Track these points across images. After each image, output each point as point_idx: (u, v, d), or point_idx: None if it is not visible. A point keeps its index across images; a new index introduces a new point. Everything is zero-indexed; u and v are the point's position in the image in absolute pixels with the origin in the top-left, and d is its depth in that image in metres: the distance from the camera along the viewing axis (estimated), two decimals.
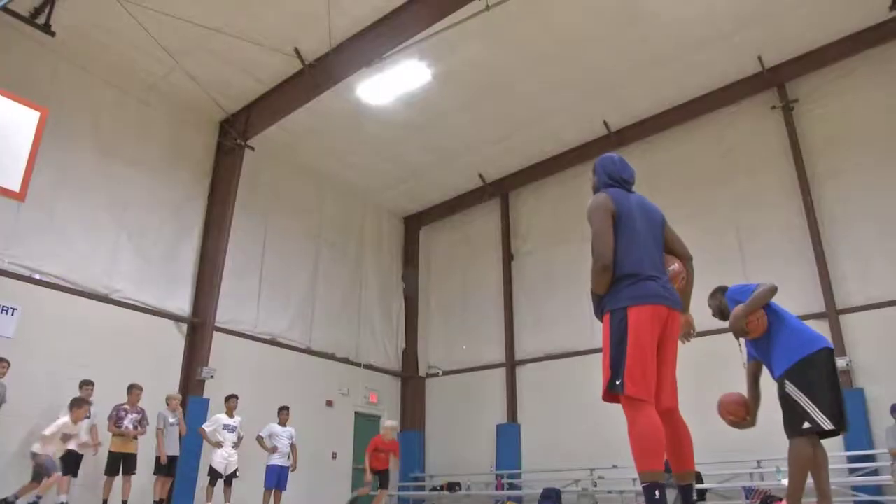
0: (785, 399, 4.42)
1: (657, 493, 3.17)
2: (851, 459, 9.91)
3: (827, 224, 11.50)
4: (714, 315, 5.11)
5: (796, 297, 10.26)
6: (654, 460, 3.23)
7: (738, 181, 12.65)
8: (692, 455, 3.47)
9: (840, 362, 10.44)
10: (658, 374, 3.42)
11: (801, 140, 12.20)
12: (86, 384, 9.68)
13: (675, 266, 3.75)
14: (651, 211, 3.82)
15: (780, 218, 11.99)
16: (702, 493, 10.40)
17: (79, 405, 9.21)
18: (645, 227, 3.66)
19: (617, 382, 3.33)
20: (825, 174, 11.85)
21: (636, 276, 3.47)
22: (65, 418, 9.00)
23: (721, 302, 4.97)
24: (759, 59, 12.28)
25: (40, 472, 8.65)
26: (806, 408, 4.30)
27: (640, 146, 14.05)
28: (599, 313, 3.60)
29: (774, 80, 12.59)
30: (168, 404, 10.68)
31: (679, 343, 3.70)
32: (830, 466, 10.43)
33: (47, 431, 8.84)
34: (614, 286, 3.50)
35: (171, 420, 10.51)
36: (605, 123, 14.26)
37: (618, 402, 3.41)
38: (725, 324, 4.74)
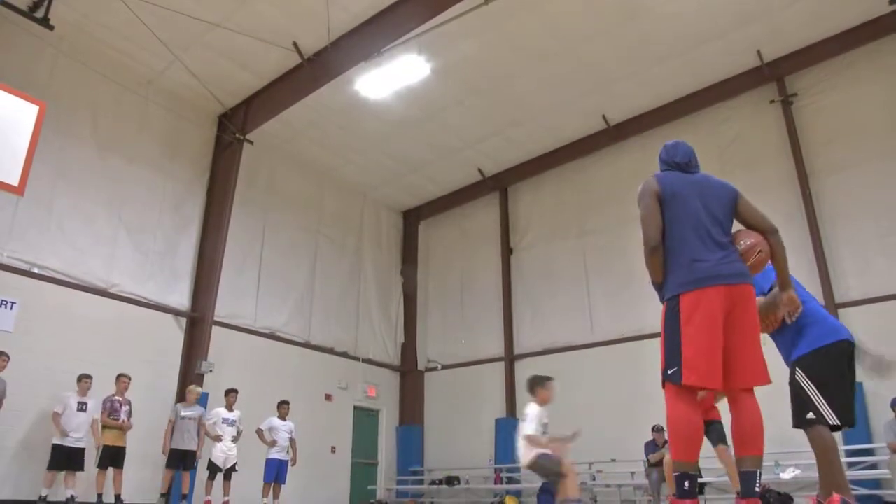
0: (792, 386, 4.29)
1: (686, 483, 3.22)
2: (850, 454, 9.92)
3: (826, 218, 11.51)
4: None
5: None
6: (686, 451, 3.26)
7: (737, 175, 12.52)
8: (756, 439, 3.34)
9: None
10: (730, 354, 3.33)
11: (800, 134, 12.19)
12: (85, 377, 9.67)
13: (750, 241, 3.61)
14: (713, 187, 3.70)
15: (778, 212, 11.86)
16: (700, 487, 10.42)
17: None
18: (700, 205, 3.55)
19: (669, 372, 3.31)
20: (824, 168, 11.85)
21: (685, 258, 3.41)
22: (535, 406, 6.82)
23: None
24: (759, 53, 12.26)
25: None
26: (812, 398, 4.14)
27: (638, 140, 14.06)
28: (662, 300, 3.54)
29: (773, 75, 12.58)
30: (186, 397, 10.74)
31: (787, 321, 3.70)
32: None
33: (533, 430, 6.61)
34: (666, 273, 3.47)
35: (184, 413, 10.52)
36: (604, 118, 14.25)
37: None
38: None
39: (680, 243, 3.47)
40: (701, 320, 3.29)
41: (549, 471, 6.44)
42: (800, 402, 4.24)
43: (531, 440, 6.49)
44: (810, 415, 4.14)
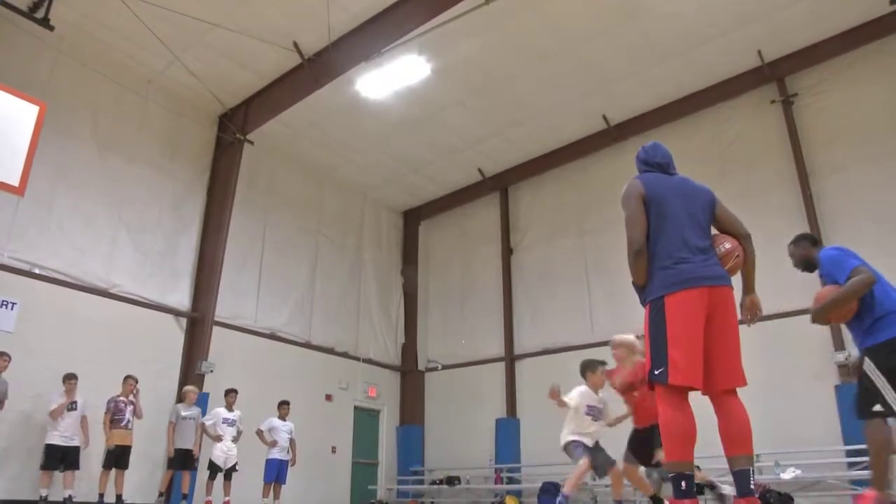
0: (862, 377, 4.24)
1: (683, 483, 3.21)
2: (850, 454, 9.91)
3: (826, 218, 11.48)
4: (796, 265, 4.87)
5: (796, 292, 10.28)
6: (681, 451, 3.27)
7: (738, 176, 12.62)
8: (745, 438, 3.34)
9: (839, 356, 10.46)
10: (712, 356, 3.36)
11: (800, 134, 12.17)
12: (70, 378, 9.52)
13: (728, 245, 3.65)
14: (694, 191, 3.75)
15: (779, 212, 11.96)
16: (699, 487, 10.40)
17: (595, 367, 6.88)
18: (682, 208, 3.59)
19: (656, 372, 3.34)
20: (825, 168, 11.83)
21: (669, 260, 3.44)
22: (578, 389, 6.89)
23: (810, 254, 4.78)
24: (759, 53, 12.25)
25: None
26: (882, 390, 4.08)
27: (639, 140, 13.96)
28: (643, 303, 3.58)
29: (774, 75, 12.57)
30: (185, 398, 10.76)
31: (747, 325, 3.73)
32: (828, 461, 10.40)
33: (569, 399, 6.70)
34: (650, 274, 3.50)
35: (184, 413, 10.54)
36: (605, 118, 14.25)
37: None
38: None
39: (664, 245, 3.51)
40: (685, 321, 3.33)
41: (573, 458, 6.62)
42: (868, 394, 4.18)
43: (560, 402, 6.67)
44: (877, 407, 4.11)
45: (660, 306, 3.40)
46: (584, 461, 6.52)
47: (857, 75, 11.88)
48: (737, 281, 3.62)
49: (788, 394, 10.52)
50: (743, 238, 3.73)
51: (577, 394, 6.79)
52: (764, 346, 9.43)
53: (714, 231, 3.77)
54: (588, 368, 6.97)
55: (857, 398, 4.31)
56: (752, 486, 3.26)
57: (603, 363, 7.00)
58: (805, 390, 10.81)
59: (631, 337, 6.54)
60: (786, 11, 11.30)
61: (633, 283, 3.63)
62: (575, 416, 6.74)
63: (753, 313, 3.84)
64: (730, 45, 12.06)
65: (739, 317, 3.54)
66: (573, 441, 6.69)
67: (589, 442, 6.78)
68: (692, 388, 3.32)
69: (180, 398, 11.16)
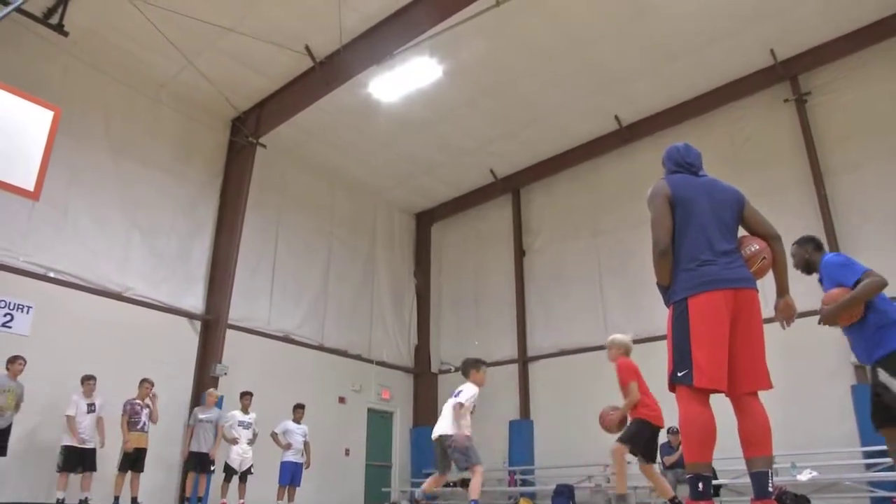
0: (877, 388, 4.22)
1: (700, 484, 3.20)
2: (868, 455, 9.83)
3: (841, 217, 11.40)
4: (796, 266, 4.85)
5: (810, 293, 10.18)
6: (699, 452, 3.26)
7: (751, 175, 12.48)
8: (764, 440, 3.32)
9: (855, 357, 10.37)
10: (736, 358, 3.34)
11: (814, 133, 12.10)
12: (87, 379, 9.60)
13: (755, 247, 3.61)
14: (721, 191, 3.72)
15: (793, 212, 11.86)
16: (716, 489, 10.34)
17: None
18: (708, 209, 3.57)
19: (679, 374, 3.32)
20: (839, 167, 11.75)
21: (693, 261, 3.42)
22: (472, 388, 7.19)
23: (812, 258, 4.76)
24: (772, 51, 12.18)
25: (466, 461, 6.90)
26: None
27: (651, 141, 13.97)
28: (667, 303, 3.56)
29: (787, 73, 12.50)
30: (206, 400, 10.85)
31: (782, 328, 3.76)
32: (845, 462, 10.29)
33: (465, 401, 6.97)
34: (674, 276, 3.48)
35: (201, 416, 10.58)
36: (617, 118, 14.20)
37: None
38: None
39: (688, 247, 3.49)
40: (709, 323, 3.31)
41: (464, 455, 6.80)
42: (885, 403, 4.16)
43: (459, 407, 6.91)
44: None
45: (683, 308, 3.38)
46: (480, 467, 6.87)
47: (870, 73, 11.80)
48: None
49: (804, 394, 10.43)
50: (772, 239, 3.68)
51: (471, 392, 7.08)
52: (779, 346, 9.35)
53: (743, 232, 3.73)
54: (472, 367, 7.28)
55: (874, 410, 4.27)
56: (770, 489, 3.24)
57: (484, 362, 7.42)
58: (821, 391, 10.72)
59: (624, 337, 6.98)
60: (798, 10, 11.24)
61: (657, 283, 3.61)
62: (465, 412, 7.02)
63: (788, 315, 3.82)
64: (742, 44, 12.01)
65: (764, 317, 3.48)
66: (468, 436, 6.94)
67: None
68: (716, 391, 3.30)
69: (196, 400, 11.20)
